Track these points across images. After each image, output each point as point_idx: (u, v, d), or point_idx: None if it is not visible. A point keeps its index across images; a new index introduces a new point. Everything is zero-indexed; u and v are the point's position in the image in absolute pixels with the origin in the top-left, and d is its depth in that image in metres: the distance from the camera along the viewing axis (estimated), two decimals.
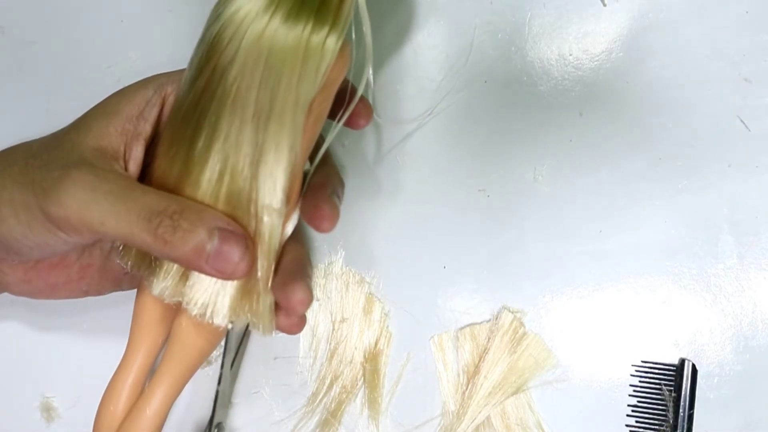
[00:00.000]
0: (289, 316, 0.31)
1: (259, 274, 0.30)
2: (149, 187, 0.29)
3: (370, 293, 0.39)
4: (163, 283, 0.30)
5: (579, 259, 0.38)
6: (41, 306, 0.37)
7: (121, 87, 0.32)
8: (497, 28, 0.40)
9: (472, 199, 0.39)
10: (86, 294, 0.34)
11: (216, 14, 0.29)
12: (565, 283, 0.38)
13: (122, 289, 0.35)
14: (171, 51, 0.40)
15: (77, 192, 0.27)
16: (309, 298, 0.31)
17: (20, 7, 0.41)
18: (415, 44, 0.40)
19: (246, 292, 0.30)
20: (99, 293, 0.35)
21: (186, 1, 0.40)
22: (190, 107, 0.30)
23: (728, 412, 0.37)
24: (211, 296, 0.30)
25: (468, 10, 0.40)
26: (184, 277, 0.30)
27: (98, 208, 0.27)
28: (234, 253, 0.28)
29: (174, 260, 0.29)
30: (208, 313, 0.30)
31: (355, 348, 0.38)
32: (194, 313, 0.30)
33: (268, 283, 0.30)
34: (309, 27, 0.29)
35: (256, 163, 0.29)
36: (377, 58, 0.40)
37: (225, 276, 0.28)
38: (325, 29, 0.29)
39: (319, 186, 0.32)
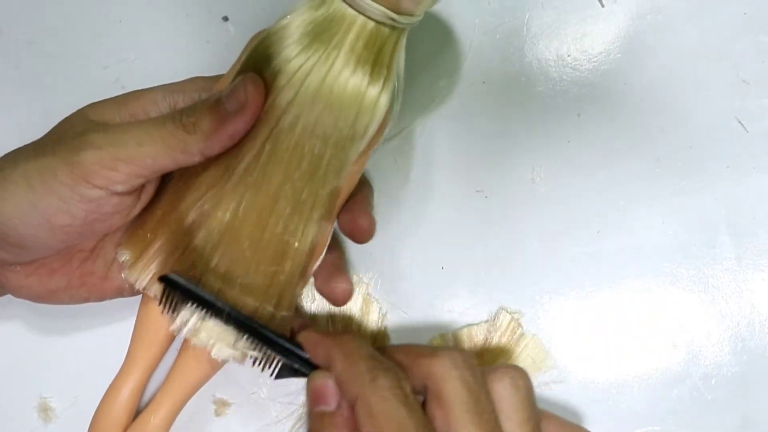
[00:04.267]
0: (340, 278, 0.34)
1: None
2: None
3: (367, 294, 0.39)
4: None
5: (577, 260, 0.38)
6: (39, 306, 0.37)
7: (119, 87, 0.32)
8: (496, 29, 0.40)
9: (470, 200, 0.39)
10: (87, 300, 0.34)
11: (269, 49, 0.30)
12: (563, 284, 0.38)
13: (124, 296, 0.35)
14: (169, 51, 0.40)
15: (106, 135, 0.29)
16: (351, 289, 0.34)
17: (19, 7, 0.41)
18: (414, 45, 0.40)
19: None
20: (100, 300, 0.35)
21: (185, 1, 0.40)
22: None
23: (726, 413, 0.37)
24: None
25: (466, 10, 0.40)
26: None
27: (131, 135, 0.29)
28: (241, 88, 0.29)
29: (207, 138, 0.29)
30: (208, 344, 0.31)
31: None
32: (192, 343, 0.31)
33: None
34: (366, 79, 0.30)
35: (298, 212, 0.30)
36: None
37: (241, 109, 0.29)
38: (380, 83, 0.30)
39: (355, 199, 0.33)
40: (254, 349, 0.30)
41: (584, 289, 0.38)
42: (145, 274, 0.32)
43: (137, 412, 0.35)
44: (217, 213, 0.31)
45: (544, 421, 0.30)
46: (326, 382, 0.28)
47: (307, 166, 0.30)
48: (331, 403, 0.27)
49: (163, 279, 0.30)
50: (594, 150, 0.39)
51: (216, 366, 0.34)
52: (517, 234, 0.39)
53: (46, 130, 0.33)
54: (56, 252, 0.32)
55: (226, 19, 0.40)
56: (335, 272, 0.33)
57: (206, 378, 0.34)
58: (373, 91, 0.30)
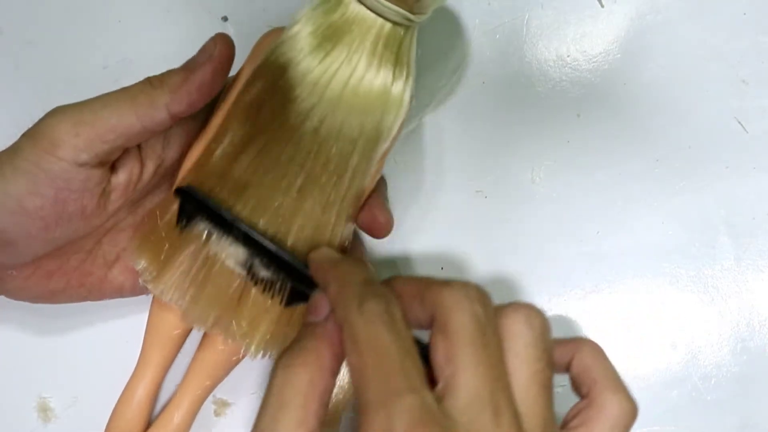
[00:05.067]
0: (378, 210, 0.33)
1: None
2: None
3: None
4: (170, 280, 0.31)
5: (576, 260, 0.38)
6: (39, 306, 0.37)
7: (119, 87, 0.32)
8: (495, 29, 0.40)
9: (469, 200, 0.39)
10: (86, 299, 0.34)
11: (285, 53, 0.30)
12: (562, 284, 0.38)
13: (123, 296, 0.35)
14: (169, 51, 0.40)
15: (71, 105, 0.29)
16: (391, 221, 0.33)
17: (18, 7, 0.41)
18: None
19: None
20: (100, 299, 0.34)
21: (185, 1, 0.40)
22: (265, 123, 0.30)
23: (725, 413, 0.37)
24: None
25: (466, 11, 0.40)
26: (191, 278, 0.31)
27: (96, 100, 0.29)
28: (211, 42, 0.30)
29: (174, 91, 0.30)
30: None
31: None
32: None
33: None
34: (391, 78, 0.30)
35: (327, 210, 0.30)
36: None
37: (209, 59, 0.30)
38: (403, 80, 0.30)
39: (372, 195, 0.33)
40: (267, 270, 0.30)
41: (584, 289, 0.38)
42: (174, 289, 0.31)
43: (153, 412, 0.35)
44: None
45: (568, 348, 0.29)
46: (321, 296, 0.27)
47: (334, 168, 0.30)
48: (321, 314, 0.27)
49: (181, 191, 0.30)
50: (594, 150, 0.39)
51: (236, 357, 0.34)
52: (516, 234, 0.39)
53: None
54: (43, 246, 0.31)
55: (225, 19, 0.40)
56: (375, 202, 0.33)
57: (226, 371, 0.34)
58: (397, 88, 0.30)
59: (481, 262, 0.39)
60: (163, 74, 0.30)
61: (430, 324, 0.25)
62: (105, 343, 0.38)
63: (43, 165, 0.28)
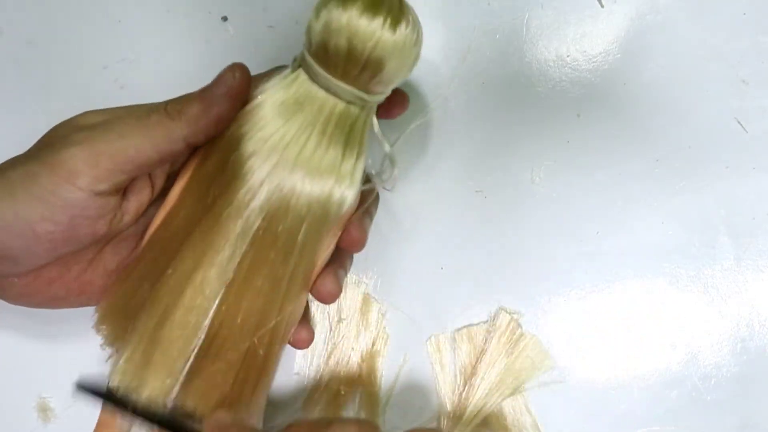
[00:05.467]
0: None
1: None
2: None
3: (367, 294, 0.39)
4: (125, 366, 0.30)
5: (576, 260, 0.38)
6: None
7: (118, 87, 0.32)
8: (495, 29, 0.40)
9: (469, 200, 0.39)
10: (86, 304, 0.34)
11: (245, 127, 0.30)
12: (562, 285, 0.38)
13: None
14: (169, 51, 0.40)
15: (88, 133, 0.29)
16: (338, 291, 0.32)
17: (19, 7, 0.41)
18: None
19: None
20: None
21: (184, 1, 0.41)
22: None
23: (725, 413, 0.37)
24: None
25: (466, 11, 0.40)
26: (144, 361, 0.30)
27: (113, 128, 0.29)
28: (229, 73, 0.30)
29: (193, 123, 0.29)
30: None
31: (352, 349, 0.38)
32: None
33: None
34: (340, 157, 0.30)
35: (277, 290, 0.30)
36: None
37: (228, 91, 0.30)
38: (353, 159, 0.30)
39: (355, 215, 0.33)
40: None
41: (583, 290, 0.38)
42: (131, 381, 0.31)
43: None
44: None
45: None
46: None
47: (282, 246, 0.30)
48: None
49: (82, 387, 0.31)
50: (593, 150, 0.39)
51: None
52: (516, 234, 0.39)
53: (46, 130, 0.33)
54: (46, 260, 0.31)
55: (225, 19, 0.40)
56: (325, 268, 0.33)
57: None
58: (346, 168, 0.30)
59: (481, 262, 0.39)
60: (180, 103, 0.29)
61: None
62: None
63: (61, 194, 0.28)
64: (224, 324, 0.30)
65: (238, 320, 0.30)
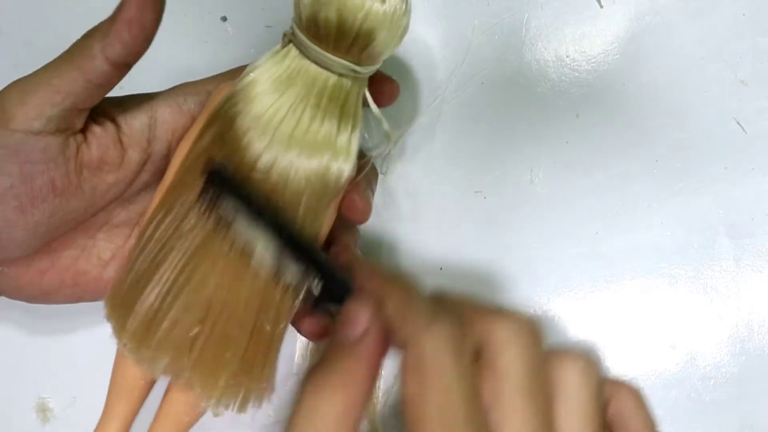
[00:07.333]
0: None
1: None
2: None
3: None
4: (131, 329, 0.30)
5: (575, 260, 0.38)
6: (37, 307, 0.37)
7: (117, 87, 0.32)
8: (494, 29, 0.40)
9: (468, 201, 0.39)
10: (81, 300, 0.34)
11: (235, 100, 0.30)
12: (561, 285, 0.38)
13: None
14: (168, 51, 0.40)
15: (18, 79, 0.28)
16: (369, 207, 0.32)
17: (19, 7, 0.41)
18: (412, 45, 0.40)
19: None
20: (95, 300, 0.34)
21: (184, 1, 0.41)
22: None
23: (724, 414, 0.37)
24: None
25: (465, 11, 0.40)
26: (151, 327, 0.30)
27: (40, 69, 0.29)
28: None
29: (106, 35, 0.29)
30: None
31: None
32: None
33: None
34: (335, 130, 0.30)
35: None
36: None
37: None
38: (348, 131, 0.30)
39: (356, 183, 0.32)
40: (297, 265, 0.29)
41: (582, 290, 0.38)
42: (156, 363, 0.30)
43: None
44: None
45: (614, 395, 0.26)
46: (361, 308, 0.24)
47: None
48: (358, 329, 0.24)
49: (210, 172, 0.29)
50: (592, 151, 0.39)
51: (199, 408, 0.33)
52: (515, 235, 0.39)
53: None
54: (28, 235, 0.30)
55: (224, 19, 0.40)
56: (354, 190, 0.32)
57: (192, 421, 0.33)
58: (342, 140, 0.30)
59: (481, 262, 0.39)
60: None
61: (478, 352, 0.23)
62: (104, 344, 0.37)
63: (1, 141, 0.28)
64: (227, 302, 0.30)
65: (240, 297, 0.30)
